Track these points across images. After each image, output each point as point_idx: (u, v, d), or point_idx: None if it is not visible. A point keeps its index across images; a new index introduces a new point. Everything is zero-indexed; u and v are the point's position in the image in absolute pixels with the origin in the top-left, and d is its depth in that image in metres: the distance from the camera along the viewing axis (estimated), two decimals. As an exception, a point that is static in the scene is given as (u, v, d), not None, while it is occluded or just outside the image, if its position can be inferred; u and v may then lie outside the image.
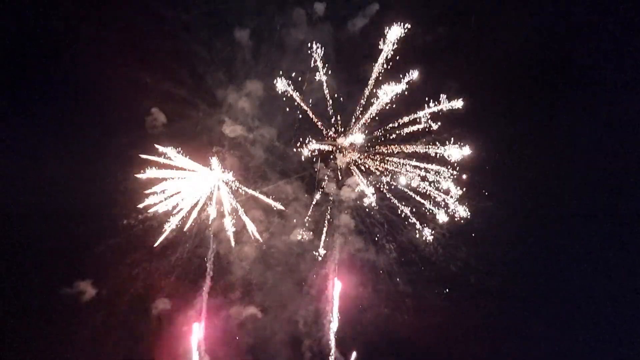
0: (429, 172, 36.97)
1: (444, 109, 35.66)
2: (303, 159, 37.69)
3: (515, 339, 37.88)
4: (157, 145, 34.85)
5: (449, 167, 36.53)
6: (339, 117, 37.68)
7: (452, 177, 36.52)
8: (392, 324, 37.68)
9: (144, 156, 34.82)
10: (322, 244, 37.83)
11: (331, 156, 38.57)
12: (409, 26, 35.35)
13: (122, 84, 35.26)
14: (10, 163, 34.17)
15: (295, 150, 37.37)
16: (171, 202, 35.35)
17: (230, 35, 37.34)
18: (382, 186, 37.70)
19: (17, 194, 34.24)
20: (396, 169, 37.37)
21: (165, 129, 36.35)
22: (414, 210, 37.43)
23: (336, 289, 37.53)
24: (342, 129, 37.94)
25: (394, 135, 37.47)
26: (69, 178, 34.29)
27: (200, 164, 35.84)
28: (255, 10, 37.58)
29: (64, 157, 35.02)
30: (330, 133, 37.86)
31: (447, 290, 37.75)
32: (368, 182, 37.60)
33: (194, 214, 36.15)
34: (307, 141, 37.17)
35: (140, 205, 35.01)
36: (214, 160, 35.66)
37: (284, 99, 37.06)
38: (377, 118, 37.77)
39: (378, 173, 37.67)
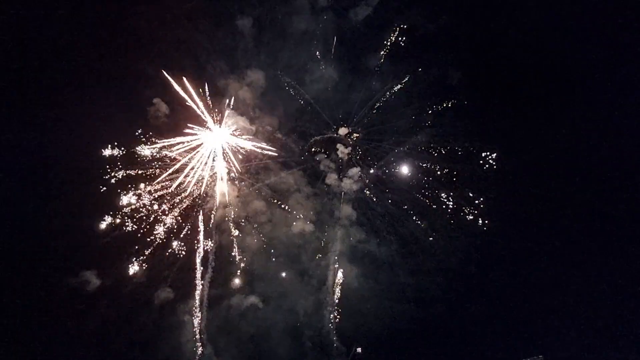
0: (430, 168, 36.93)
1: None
2: (304, 150, 37.77)
3: (515, 330, 37.91)
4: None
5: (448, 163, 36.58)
6: (341, 108, 37.66)
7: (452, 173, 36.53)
8: (394, 315, 37.86)
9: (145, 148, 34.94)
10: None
11: (334, 146, 38.46)
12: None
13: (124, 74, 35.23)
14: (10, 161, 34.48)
15: (296, 140, 37.45)
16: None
17: (232, 25, 37.20)
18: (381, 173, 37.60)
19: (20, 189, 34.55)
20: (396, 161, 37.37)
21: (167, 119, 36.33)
22: (415, 202, 37.48)
23: (337, 280, 37.63)
24: (344, 120, 37.84)
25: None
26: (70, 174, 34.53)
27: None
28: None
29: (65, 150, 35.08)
30: (332, 124, 37.82)
31: (448, 281, 37.80)
32: (364, 173, 37.50)
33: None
34: (308, 132, 37.28)
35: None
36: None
37: (287, 86, 37.11)
38: (379, 110, 37.78)
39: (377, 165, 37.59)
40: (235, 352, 36.76)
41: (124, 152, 34.80)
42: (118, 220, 35.09)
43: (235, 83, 37.02)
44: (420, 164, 37.58)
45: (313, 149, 38.07)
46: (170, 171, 35.91)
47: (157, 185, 35.84)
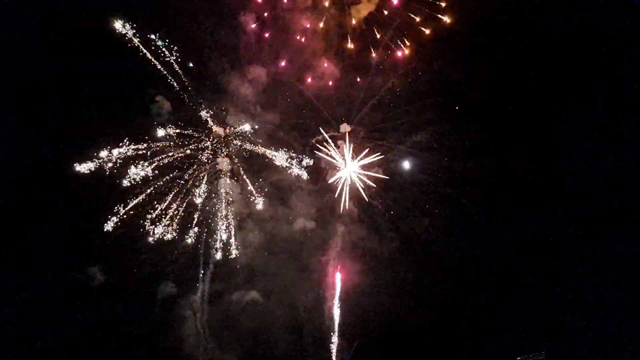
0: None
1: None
2: (306, 147, 37.89)
3: (516, 326, 38.01)
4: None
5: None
6: (342, 106, 37.63)
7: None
8: (394, 311, 38.13)
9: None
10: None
11: (336, 144, 38.49)
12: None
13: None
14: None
15: (298, 138, 37.58)
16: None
17: (233, 21, 37.19)
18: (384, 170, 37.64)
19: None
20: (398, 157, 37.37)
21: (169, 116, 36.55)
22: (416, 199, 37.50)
23: (338, 277, 37.92)
24: (346, 117, 37.82)
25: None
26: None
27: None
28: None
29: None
30: (334, 121, 37.85)
31: (448, 278, 37.88)
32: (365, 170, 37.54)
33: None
34: (310, 129, 37.35)
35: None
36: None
37: (288, 84, 37.11)
38: (381, 107, 37.72)
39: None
40: (236, 346, 37.46)
41: (126, 150, 35.05)
42: (124, 217, 35.51)
43: (236, 80, 37.26)
44: (422, 161, 37.57)
45: (314, 146, 38.14)
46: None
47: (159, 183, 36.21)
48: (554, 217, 37.08)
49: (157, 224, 35.67)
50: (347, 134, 37.23)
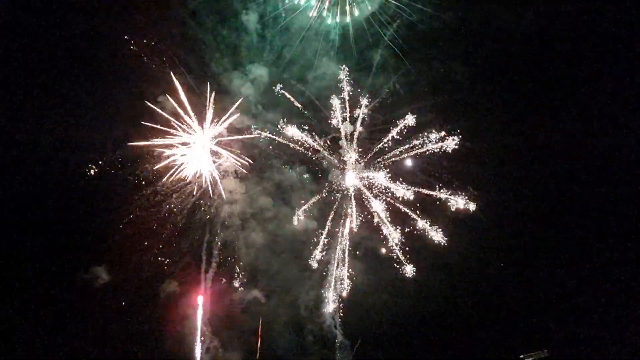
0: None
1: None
2: (308, 147, 37.96)
3: (519, 324, 38.02)
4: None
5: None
6: (344, 105, 37.66)
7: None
8: (396, 310, 38.12)
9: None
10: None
11: (337, 143, 38.57)
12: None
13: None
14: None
15: (300, 137, 37.61)
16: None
17: (236, 21, 37.36)
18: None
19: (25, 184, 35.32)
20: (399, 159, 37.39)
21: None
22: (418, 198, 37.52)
23: (338, 275, 37.97)
24: (347, 117, 37.89)
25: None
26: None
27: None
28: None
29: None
30: (335, 121, 37.88)
31: (451, 276, 37.89)
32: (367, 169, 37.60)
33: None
34: (311, 129, 37.40)
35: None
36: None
37: (290, 83, 37.13)
38: (383, 106, 37.81)
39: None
40: (238, 345, 37.49)
41: (128, 151, 35.24)
42: (130, 216, 35.60)
43: (238, 80, 37.39)
44: (424, 160, 37.63)
45: (316, 146, 38.22)
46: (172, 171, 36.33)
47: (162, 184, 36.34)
48: (556, 215, 37.19)
49: (162, 222, 35.90)
50: (348, 133, 37.40)
